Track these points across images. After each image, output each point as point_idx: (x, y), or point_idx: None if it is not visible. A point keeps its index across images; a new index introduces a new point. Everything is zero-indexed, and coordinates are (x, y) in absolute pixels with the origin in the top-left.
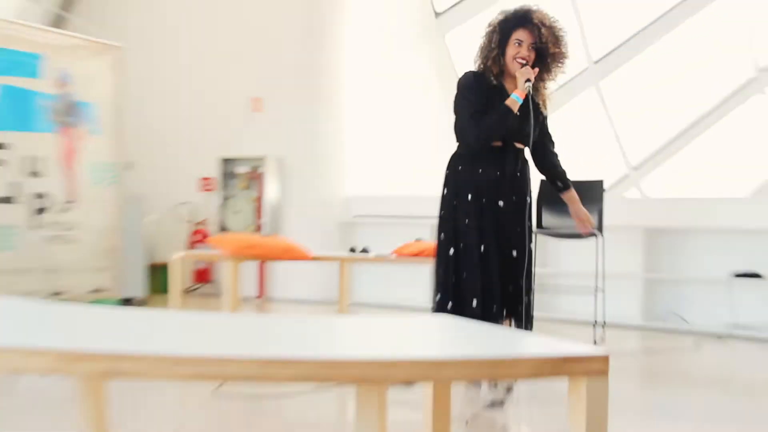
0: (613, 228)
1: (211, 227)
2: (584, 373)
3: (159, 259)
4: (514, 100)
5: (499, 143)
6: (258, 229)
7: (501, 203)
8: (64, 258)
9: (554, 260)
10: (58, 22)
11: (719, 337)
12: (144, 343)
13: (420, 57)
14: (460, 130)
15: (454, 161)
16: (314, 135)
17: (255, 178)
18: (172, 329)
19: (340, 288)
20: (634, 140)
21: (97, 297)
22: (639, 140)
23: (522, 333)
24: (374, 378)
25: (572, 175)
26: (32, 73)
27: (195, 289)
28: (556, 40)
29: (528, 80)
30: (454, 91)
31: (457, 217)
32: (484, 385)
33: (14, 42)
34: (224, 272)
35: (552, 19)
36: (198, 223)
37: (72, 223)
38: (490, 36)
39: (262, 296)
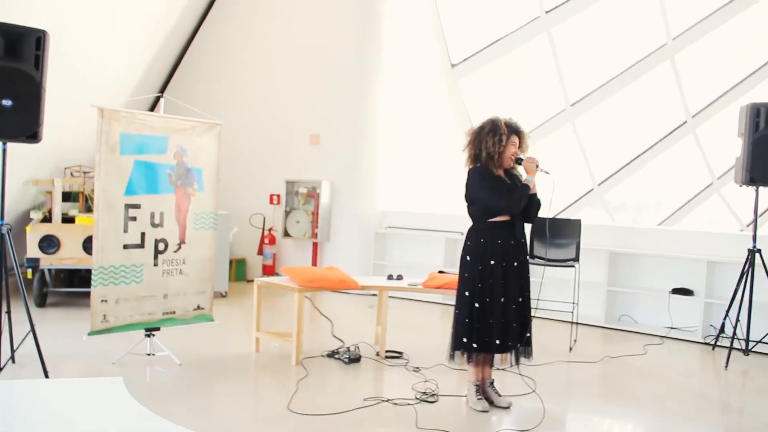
0: (586, 251)
1: (277, 233)
2: None
3: (238, 255)
4: (530, 181)
5: (508, 218)
6: (314, 235)
7: (515, 264)
8: (175, 286)
9: (540, 276)
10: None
11: (661, 337)
12: None
13: (440, 99)
14: (493, 205)
15: (475, 234)
16: (357, 164)
17: (312, 195)
18: None
19: (378, 316)
20: (598, 165)
21: (198, 313)
22: (603, 165)
23: None
24: None
25: (553, 213)
26: (161, 150)
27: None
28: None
29: (537, 166)
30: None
31: (483, 278)
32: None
33: (148, 128)
34: (292, 300)
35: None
36: (267, 230)
37: (182, 259)
38: (486, 138)
39: None
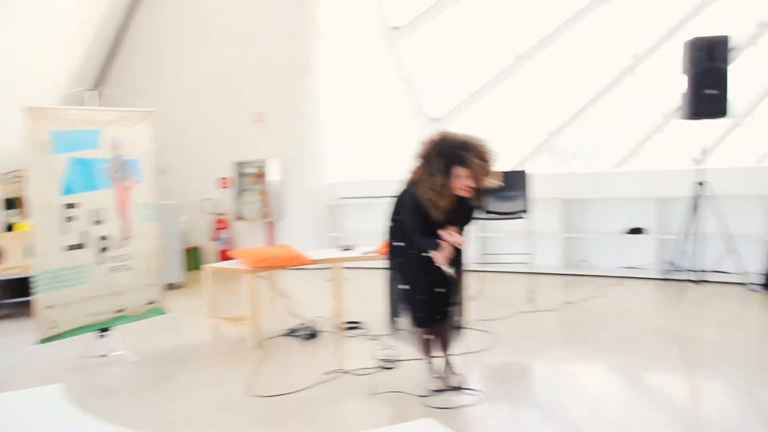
0: (538, 201)
1: (230, 216)
2: None
3: (191, 244)
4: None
5: None
6: (266, 215)
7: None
8: (123, 282)
9: (494, 228)
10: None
11: (618, 278)
12: None
13: (381, 63)
14: (410, 231)
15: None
16: (302, 139)
17: (261, 175)
18: None
19: (333, 289)
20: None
21: (149, 308)
22: (552, 115)
23: None
24: None
25: (505, 166)
26: (93, 145)
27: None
28: (489, 167)
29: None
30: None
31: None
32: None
33: (79, 123)
34: (244, 280)
35: (483, 151)
36: (219, 214)
37: (127, 254)
38: (430, 168)
39: None
